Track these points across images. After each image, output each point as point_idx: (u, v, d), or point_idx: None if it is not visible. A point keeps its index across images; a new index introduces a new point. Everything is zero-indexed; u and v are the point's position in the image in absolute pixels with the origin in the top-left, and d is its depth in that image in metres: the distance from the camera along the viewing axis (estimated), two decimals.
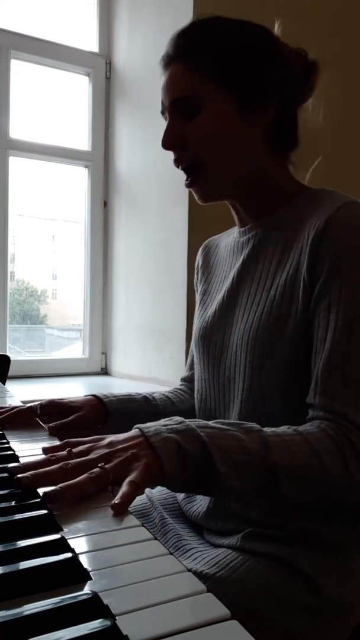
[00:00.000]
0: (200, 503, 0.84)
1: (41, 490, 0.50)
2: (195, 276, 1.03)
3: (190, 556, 0.74)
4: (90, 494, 0.51)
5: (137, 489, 0.51)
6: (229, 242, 0.93)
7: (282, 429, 0.64)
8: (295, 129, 0.83)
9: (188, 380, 1.04)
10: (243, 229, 0.87)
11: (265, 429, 0.63)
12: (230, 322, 0.83)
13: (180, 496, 0.90)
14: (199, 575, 0.68)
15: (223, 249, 0.95)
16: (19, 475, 0.51)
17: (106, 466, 0.53)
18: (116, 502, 0.48)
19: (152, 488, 0.69)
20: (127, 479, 0.52)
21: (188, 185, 0.83)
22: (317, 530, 0.72)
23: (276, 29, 0.82)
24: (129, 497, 0.50)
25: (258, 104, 0.78)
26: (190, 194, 1.62)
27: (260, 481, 0.59)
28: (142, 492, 0.53)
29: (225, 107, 0.77)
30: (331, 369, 0.67)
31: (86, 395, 0.91)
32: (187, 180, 0.83)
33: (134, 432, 0.59)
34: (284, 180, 0.83)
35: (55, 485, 0.50)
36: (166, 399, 0.98)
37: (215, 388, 0.85)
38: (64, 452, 0.57)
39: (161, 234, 1.75)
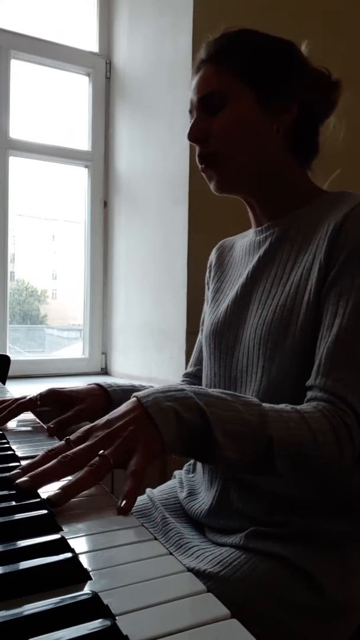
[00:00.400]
0: (202, 501, 0.84)
1: (43, 494, 0.49)
2: (208, 274, 1.04)
3: (192, 554, 0.74)
4: (94, 486, 0.51)
5: (140, 479, 0.51)
6: (244, 242, 0.95)
7: (281, 405, 0.66)
8: (316, 138, 0.86)
9: (192, 376, 1.05)
10: (259, 228, 0.89)
11: (264, 403, 0.64)
12: (244, 318, 0.84)
13: (182, 495, 0.90)
14: (201, 573, 0.68)
15: (238, 249, 0.97)
16: (17, 482, 0.50)
17: (106, 452, 0.53)
18: (122, 506, 0.48)
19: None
20: (128, 470, 0.52)
21: (203, 170, 0.86)
22: (319, 530, 0.72)
23: (303, 48, 0.86)
24: (133, 494, 0.50)
25: (280, 102, 0.81)
26: (190, 194, 1.62)
27: (255, 454, 0.60)
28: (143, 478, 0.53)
29: (248, 102, 0.81)
30: (335, 353, 0.68)
31: (89, 384, 0.91)
32: (202, 165, 0.85)
33: (131, 402, 0.59)
34: (303, 183, 0.86)
35: (57, 480, 0.50)
36: None
37: (226, 382, 0.86)
38: (62, 443, 0.57)
39: (161, 234, 1.75)
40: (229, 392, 0.65)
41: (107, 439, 0.54)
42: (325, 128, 0.86)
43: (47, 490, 0.50)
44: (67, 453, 0.53)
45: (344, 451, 0.63)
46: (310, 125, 0.85)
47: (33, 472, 0.52)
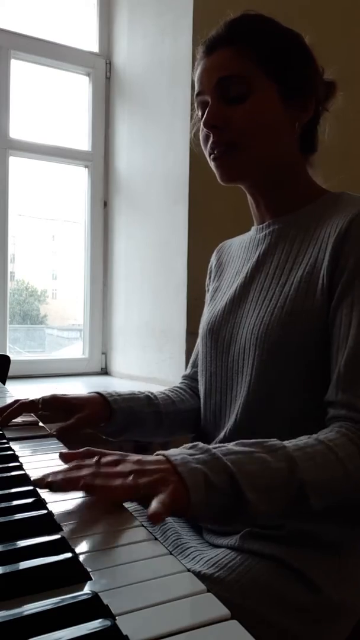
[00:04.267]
0: None
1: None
2: (208, 278, 1.04)
3: (189, 555, 0.74)
4: (118, 501, 0.51)
5: (167, 510, 0.49)
6: (244, 239, 0.94)
7: (303, 439, 0.63)
8: (317, 135, 0.86)
9: (190, 378, 1.05)
10: (260, 225, 0.89)
11: (286, 443, 0.62)
12: (240, 316, 0.83)
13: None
14: (197, 575, 0.67)
15: (237, 246, 0.96)
16: (49, 479, 0.51)
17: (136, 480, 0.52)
18: (154, 511, 0.47)
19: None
20: (156, 499, 0.50)
21: (214, 159, 0.82)
22: (315, 531, 0.72)
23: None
24: (167, 508, 0.48)
25: (301, 100, 0.80)
26: (190, 194, 1.62)
27: (288, 501, 0.58)
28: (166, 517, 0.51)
29: (272, 97, 0.79)
30: (354, 366, 0.67)
31: (90, 392, 0.91)
32: (213, 154, 0.82)
33: (158, 457, 0.56)
34: (307, 180, 0.86)
35: (88, 489, 0.51)
36: (167, 397, 0.97)
37: (222, 381, 0.85)
38: (92, 460, 0.56)
39: (161, 233, 1.75)
40: (249, 441, 0.61)
41: (137, 473, 0.53)
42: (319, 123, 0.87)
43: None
44: (101, 470, 0.53)
45: None
46: (316, 121, 0.85)
47: (67, 476, 0.52)
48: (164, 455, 0.56)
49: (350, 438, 0.62)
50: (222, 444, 0.61)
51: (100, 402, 0.88)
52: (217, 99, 0.80)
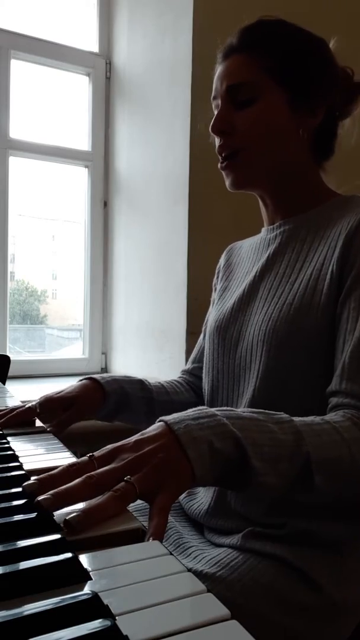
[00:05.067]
0: (202, 502, 0.84)
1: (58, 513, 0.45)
2: (215, 278, 1.04)
3: (190, 554, 0.74)
4: (117, 513, 0.46)
5: (167, 516, 0.48)
6: (254, 241, 0.95)
7: (310, 418, 0.63)
8: (334, 139, 0.86)
9: (188, 373, 1.05)
10: (271, 226, 0.89)
11: (294, 418, 0.61)
12: (249, 314, 0.84)
13: (181, 495, 0.90)
14: (198, 574, 0.68)
15: (247, 248, 0.97)
16: (39, 498, 0.45)
17: (133, 478, 0.48)
18: (151, 538, 0.44)
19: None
20: (156, 506, 0.48)
21: (223, 168, 0.85)
22: (317, 530, 0.72)
23: (332, 44, 0.85)
24: (162, 530, 0.46)
25: (309, 107, 0.81)
26: (190, 194, 1.62)
27: (294, 474, 0.57)
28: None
29: (279, 103, 0.80)
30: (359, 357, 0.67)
31: (81, 379, 0.91)
32: (222, 163, 0.84)
33: (160, 427, 0.54)
34: (318, 185, 0.86)
35: (80, 502, 0.46)
36: (161, 387, 0.98)
37: (228, 378, 0.85)
38: (85, 459, 0.52)
39: (161, 234, 1.75)
40: (258, 410, 0.61)
41: (135, 464, 0.50)
42: (339, 128, 0.86)
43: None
44: (93, 474, 0.49)
45: None
46: (330, 126, 0.85)
47: (57, 491, 0.46)
48: (165, 422, 0.54)
49: (355, 422, 0.63)
50: (227, 408, 0.60)
51: (94, 387, 0.88)
52: (227, 104, 0.82)
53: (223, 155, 0.84)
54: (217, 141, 0.85)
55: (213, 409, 0.58)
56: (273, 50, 0.80)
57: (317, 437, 0.59)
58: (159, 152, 1.76)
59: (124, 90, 2.00)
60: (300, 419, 0.62)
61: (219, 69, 0.84)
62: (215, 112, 0.85)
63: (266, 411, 0.61)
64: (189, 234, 1.59)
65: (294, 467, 0.57)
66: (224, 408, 0.59)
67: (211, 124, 0.82)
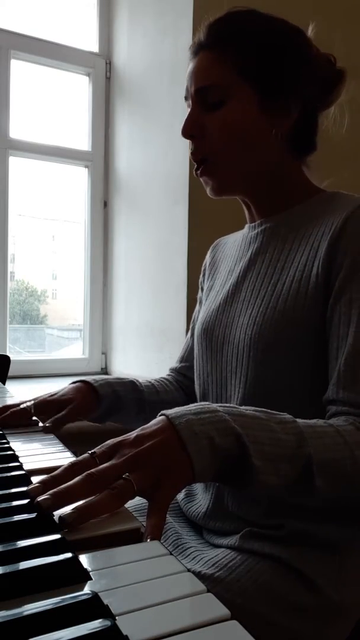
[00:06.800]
0: (200, 503, 0.84)
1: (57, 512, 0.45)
2: (201, 276, 1.03)
3: (188, 555, 0.74)
4: (113, 511, 0.47)
5: (165, 515, 0.48)
6: (237, 238, 0.94)
7: (313, 420, 0.62)
8: (315, 134, 0.83)
9: (176, 372, 1.05)
10: (253, 224, 0.88)
11: (297, 419, 0.61)
12: (232, 316, 0.82)
13: (180, 496, 0.90)
14: (197, 575, 0.67)
15: (231, 244, 0.96)
16: (38, 499, 0.45)
17: (131, 476, 0.48)
18: (148, 538, 0.44)
19: None
20: (154, 505, 0.48)
21: (198, 175, 0.83)
22: (315, 531, 0.72)
23: (310, 32, 0.81)
24: (160, 529, 0.46)
25: (281, 107, 0.77)
26: (190, 194, 1.62)
27: (294, 475, 0.57)
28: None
29: (248, 105, 0.77)
30: (355, 364, 0.66)
31: (74, 382, 0.90)
32: (197, 170, 0.83)
33: (161, 422, 0.53)
34: (299, 182, 0.83)
35: (81, 500, 0.46)
36: (152, 386, 0.98)
37: (217, 382, 0.85)
38: (86, 456, 0.52)
39: (161, 233, 1.75)
40: (261, 409, 0.60)
41: (135, 460, 0.50)
42: (325, 117, 0.83)
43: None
44: (93, 471, 0.48)
45: None
46: (310, 120, 0.82)
47: (56, 490, 0.47)
48: (166, 417, 0.54)
49: (358, 427, 0.62)
50: (230, 404, 0.60)
51: (87, 390, 0.88)
52: (196, 107, 0.80)
53: (194, 160, 0.81)
54: (190, 146, 0.82)
55: (215, 405, 0.57)
56: (243, 47, 0.76)
57: (319, 439, 0.58)
58: (159, 152, 1.76)
59: (124, 90, 2.00)
60: (304, 420, 0.61)
61: (189, 67, 0.80)
62: (187, 114, 0.82)
63: (269, 411, 0.60)
64: (189, 234, 1.59)
65: (295, 468, 0.56)
66: (226, 405, 0.59)
67: (182, 127, 0.80)
